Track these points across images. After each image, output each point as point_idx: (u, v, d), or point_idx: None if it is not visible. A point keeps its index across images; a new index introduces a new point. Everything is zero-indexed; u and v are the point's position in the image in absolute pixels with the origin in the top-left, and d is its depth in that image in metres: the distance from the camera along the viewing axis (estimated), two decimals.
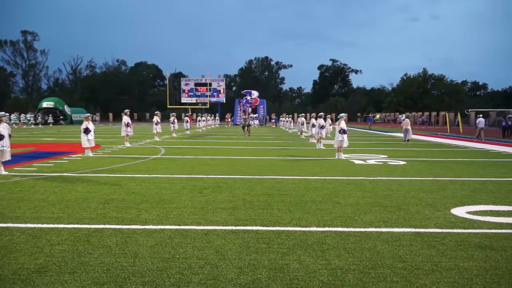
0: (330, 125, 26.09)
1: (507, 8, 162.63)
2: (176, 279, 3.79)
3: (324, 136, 19.79)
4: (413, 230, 5.37)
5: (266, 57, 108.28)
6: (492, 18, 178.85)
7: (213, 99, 67.67)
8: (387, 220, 5.83)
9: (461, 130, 31.29)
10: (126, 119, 19.47)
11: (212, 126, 50.08)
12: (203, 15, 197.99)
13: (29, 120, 54.48)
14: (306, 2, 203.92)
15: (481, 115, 26.94)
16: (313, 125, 20.54)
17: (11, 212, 6.18)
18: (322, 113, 20.72)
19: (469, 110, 58.23)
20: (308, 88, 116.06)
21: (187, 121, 33.21)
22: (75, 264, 4.12)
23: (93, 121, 15.58)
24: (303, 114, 33.50)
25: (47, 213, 6.12)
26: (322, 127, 18.98)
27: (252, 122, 46.72)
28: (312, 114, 21.83)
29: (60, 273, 3.90)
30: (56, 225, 5.49)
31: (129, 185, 8.53)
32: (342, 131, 13.86)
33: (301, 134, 28.06)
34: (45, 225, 5.48)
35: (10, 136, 10.38)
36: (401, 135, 23.69)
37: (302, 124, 28.62)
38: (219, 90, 68.55)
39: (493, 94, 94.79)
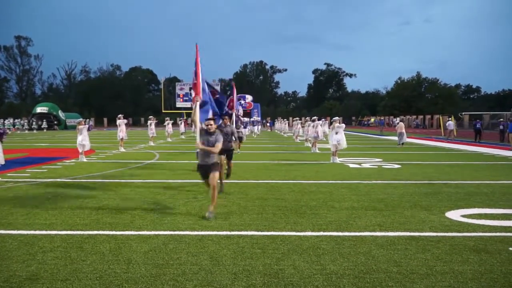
0: (325, 126, 26.05)
1: (499, 11, 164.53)
2: (170, 285, 3.75)
3: (320, 138, 19.78)
4: (408, 234, 5.37)
5: (261, 61, 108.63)
6: (485, 22, 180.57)
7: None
8: (382, 224, 5.82)
9: (455, 133, 31.45)
10: (120, 123, 19.42)
11: None
12: (197, 19, 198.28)
13: (22, 126, 54.12)
14: (299, 5, 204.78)
15: (450, 119, 29.93)
16: (308, 128, 20.60)
17: (3, 219, 6.11)
18: (315, 117, 20.80)
19: (463, 113, 58.61)
20: (303, 92, 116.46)
21: (182, 126, 33.25)
22: (68, 271, 4.07)
23: (87, 128, 15.49)
24: (297, 118, 33.56)
25: (40, 220, 6.05)
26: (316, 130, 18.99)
27: (246, 131, 31.03)
28: (306, 118, 21.94)
29: (52, 280, 3.86)
30: (48, 232, 5.43)
31: (123, 191, 8.48)
32: (340, 127, 14.08)
33: (296, 138, 28.09)
34: (37, 232, 5.42)
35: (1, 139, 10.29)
36: (396, 138, 23.78)
37: (297, 128, 28.65)
38: None
39: (486, 97, 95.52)
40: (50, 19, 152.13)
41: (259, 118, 48.70)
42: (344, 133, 14.43)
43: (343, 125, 14.65)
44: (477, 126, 26.75)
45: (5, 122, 51.89)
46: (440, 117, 41.27)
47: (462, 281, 3.85)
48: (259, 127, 43.32)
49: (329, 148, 14.90)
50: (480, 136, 26.43)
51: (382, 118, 59.15)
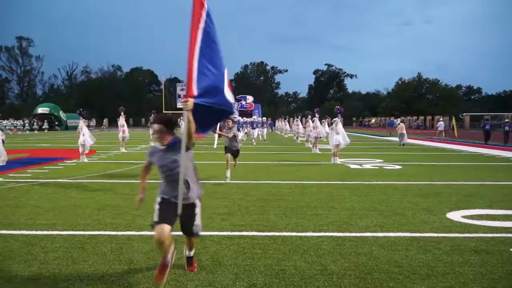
0: (325, 125, 26.03)
1: (499, 12, 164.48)
2: (172, 285, 3.76)
3: (323, 134, 19.75)
4: (409, 234, 5.37)
5: (262, 62, 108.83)
6: (485, 22, 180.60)
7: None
8: (383, 225, 5.83)
9: (455, 134, 31.45)
10: (121, 120, 19.35)
11: None
12: None
13: (24, 126, 54.21)
14: (300, 6, 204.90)
15: (441, 119, 30.31)
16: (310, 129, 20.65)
17: (5, 219, 6.12)
18: (316, 118, 20.81)
19: (464, 114, 58.60)
20: (303, 92, 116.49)
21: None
22: (69, 272, 4.08)
23: (89, 126, 15.55)
24: (298, 118, 33.56)
25: (42, 220, 6.07)
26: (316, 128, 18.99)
27: (241, 135, 23.66)
28: (308, 112, 22.00)
29: (54, 280, 3.87)
30: (50, 232, 5.44)
31: (124, 191, 8.49)
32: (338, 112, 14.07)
33: (297, 138, 28.11)
34: (39, 232, 5.43)
35: (3, 141, 10.33)
36: (397, 139, 23.82)
37: (298, 127, 28.70)
38: None
39: (487, 98, 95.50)
40: (52, 20, 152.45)
41: (260, 118, 35.93)
42: (346, 134, 14.40)
43: (336, 119, 14.54)
44: (487, 127, 25.86)
45: (5, 122, 51.99)
46: (441, 118, 41.24)
47: (463, 281, 3.85)
48: (264, 130, 30.96)
49: (330, 149, 14.88)
50: (488, 137, 25.45)
51: (392, 119, 56.43)
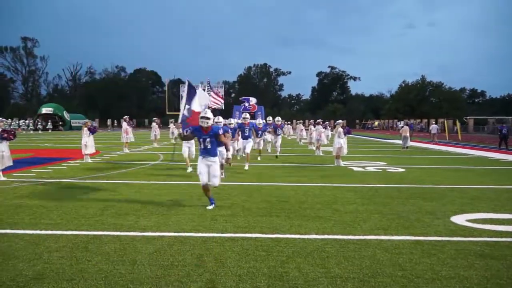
0: (328, 130, 26.02)
1: (503, 15, 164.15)
2: (175, 286, 3.76)
3: (325, 142, 19.78)
4: (412, 238, 5.35)
5: (265, 64, 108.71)
6: (489, 25, 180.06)
7: (212, 106, 67.52)
8: (387, 228, 5.81)
9: (459, 137, 31.35)
10: (125, 125, 19.47)
11: None
12: (202, 21, 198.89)
13: (28, 126, 54.45)
14: (303, 8, 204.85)
15: (434, 122, 32.00)
16: (312, 132, 20.66)
17: (9, 218, 6.15)
18: (320, 120, 20.84)
19: (468, 117, 58.39)
20: (307, 94, 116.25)
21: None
22: (73, 271, 4.09)
23: (92, 128, 15.50)
24: (301, 120, 33.54)
25: (46, 220, 6.09)
26: (320, 133, 19.03)
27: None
28: (310, 121, 21.90)
29: (58, 280, 3.88)
30: (54, 232, 5.46)
31: (127, 192, 8.50)
32: (346, 132, 14.01)
33: (299, 141, 28.09)
34: (43, 232, 5.45)
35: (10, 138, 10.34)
36: (400, 142, 23.76)
37: (301, 131, 28.71)
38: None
39: (491, 101, 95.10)
40: (56, 20, 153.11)
41: (264, 121, 18.08)
42: (349, 136, 14.40)
43: (340, 121, 14.81)
44: (504, 131, 23.29)
45: (12, 122, 52.24)
46: (445, 121, 41.13)
47: (468, 286, 3.83)
48: (279, 138, 17.66)
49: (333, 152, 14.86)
50: (506, 142, 23.08)
51: (412, 121, 51.63)
